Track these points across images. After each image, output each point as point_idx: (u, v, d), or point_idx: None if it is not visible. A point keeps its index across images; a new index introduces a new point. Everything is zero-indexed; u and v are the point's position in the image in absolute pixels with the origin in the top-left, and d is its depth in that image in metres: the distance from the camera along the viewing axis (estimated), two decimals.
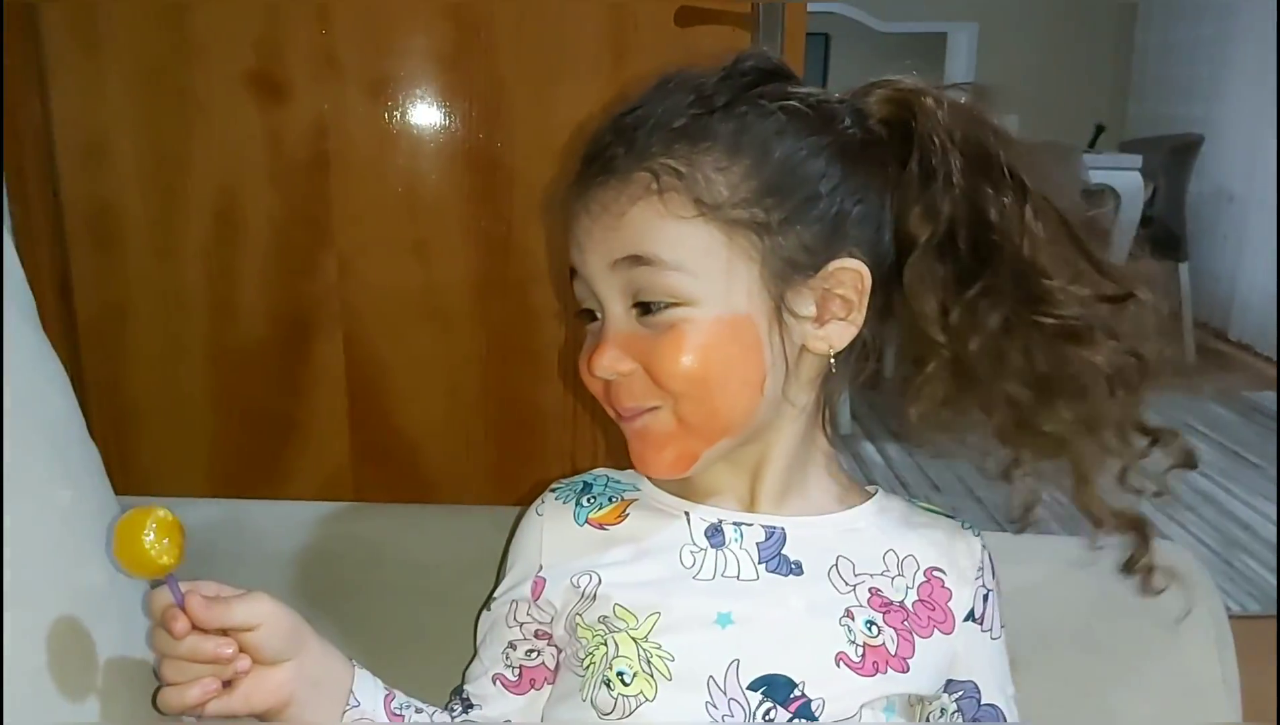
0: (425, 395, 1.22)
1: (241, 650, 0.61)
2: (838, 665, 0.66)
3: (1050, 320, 0.66)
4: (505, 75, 1.15)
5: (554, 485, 0.78)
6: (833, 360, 0.69)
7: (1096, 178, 3.80)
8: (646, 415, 0.67)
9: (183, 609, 0.58)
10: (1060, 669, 0.78)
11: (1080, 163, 3.70)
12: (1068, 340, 0.66)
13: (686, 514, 0.71)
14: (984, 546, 0.74)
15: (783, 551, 0.69)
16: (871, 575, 0.70)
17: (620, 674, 0.66)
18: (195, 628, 0.59)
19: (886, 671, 0.67)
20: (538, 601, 0.73)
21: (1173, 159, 4.36)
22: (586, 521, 0.73)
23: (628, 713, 0.66)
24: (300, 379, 1.20)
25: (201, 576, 0.61)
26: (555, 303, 1.19)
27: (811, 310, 0.67)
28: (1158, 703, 0.75)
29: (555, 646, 0.73)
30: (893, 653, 0.67)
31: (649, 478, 0.73)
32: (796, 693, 0.65)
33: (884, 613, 0.68)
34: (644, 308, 0.65)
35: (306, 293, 1.18)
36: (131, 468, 1.18)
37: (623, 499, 0.74)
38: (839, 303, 0.67)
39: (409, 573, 0.82)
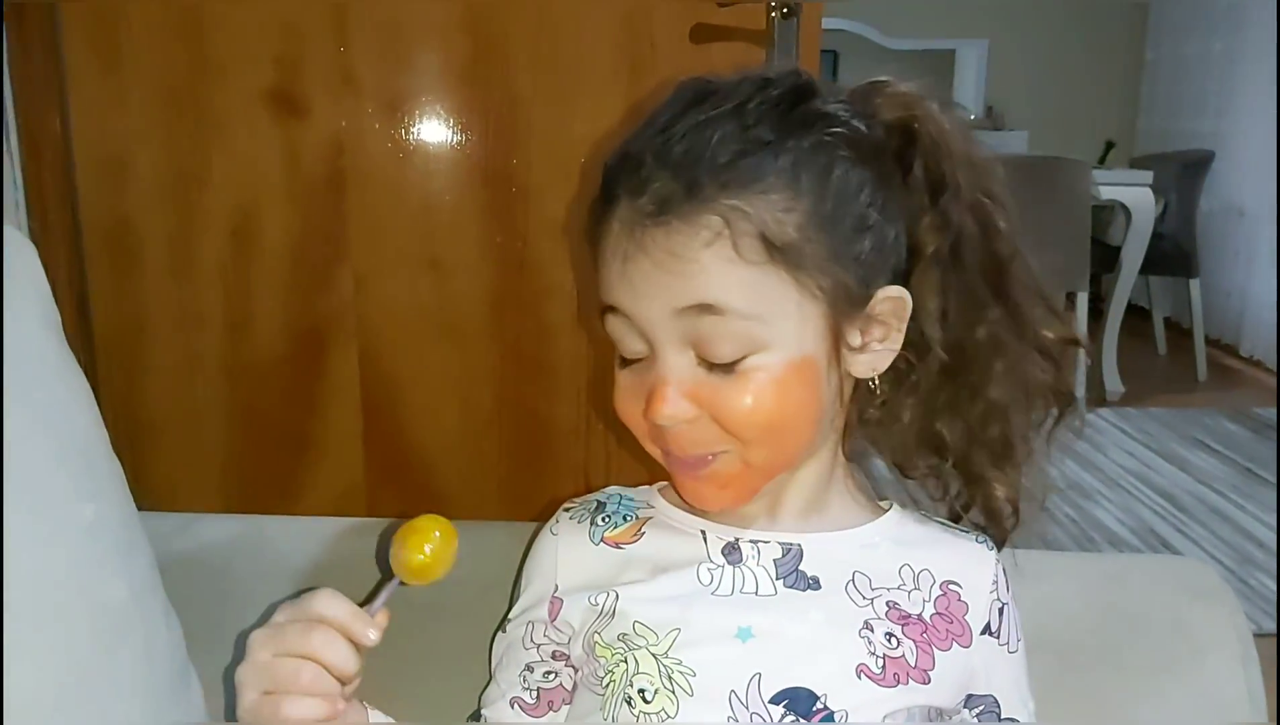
0: (440, 411, 1.22)
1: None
2: (859, 677, 0.65)
3: (1026, 340, 0.70)
4: (521, 92, 1.15)
5: (567, 504, 0.77)
6: (874, 382, 0.70)
7: (1107, 194, 3.80)
8: (714, 460, 0.66)
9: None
10: (1084, 686, 0.78)
11: (1090, 179, 3.70)
12: (1038, 358, 0.71)
13: (703, 533, 0.71)
14: (998, 560, 0.74)
15: (800, 567, 0.69)
16: (889, 589, 0.69)
17: (641, 691, 0.66)
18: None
19: (908, 683, 0.66)
20: (555, 622, 0.72)
21: (1183, 175, 4.36)
22: (602, 540, 0.73)
23: None
24: (315, 395, 1.20)
25: (221, 591, 0.61)
26: (570, 319, 1.19)
27: (858, 339, 0.67)
28: (1182, 719, 0.75)
29: (573, 667, 0.73)
30: (913, 664, 0.67)
31: (696, 505, 0.71)
32: (819, 705, 0.64)
33: (903, 625, 0.68)
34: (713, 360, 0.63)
35: (322, 309, 1.19)
36: (147, 483, 1.18)
37: (638, 518, 0.74)
38: (879, 328, 0.68)
39: (423, 588, 0.82)
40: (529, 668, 0.74)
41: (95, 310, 1.16)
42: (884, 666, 0.66)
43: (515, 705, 0.74)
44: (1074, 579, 0.83)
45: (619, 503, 0.76)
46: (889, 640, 0.67)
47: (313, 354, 1.19)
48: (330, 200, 1.16)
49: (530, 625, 0.74)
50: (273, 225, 1.16)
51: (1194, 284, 4.29)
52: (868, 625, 0.67)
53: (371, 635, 0.58)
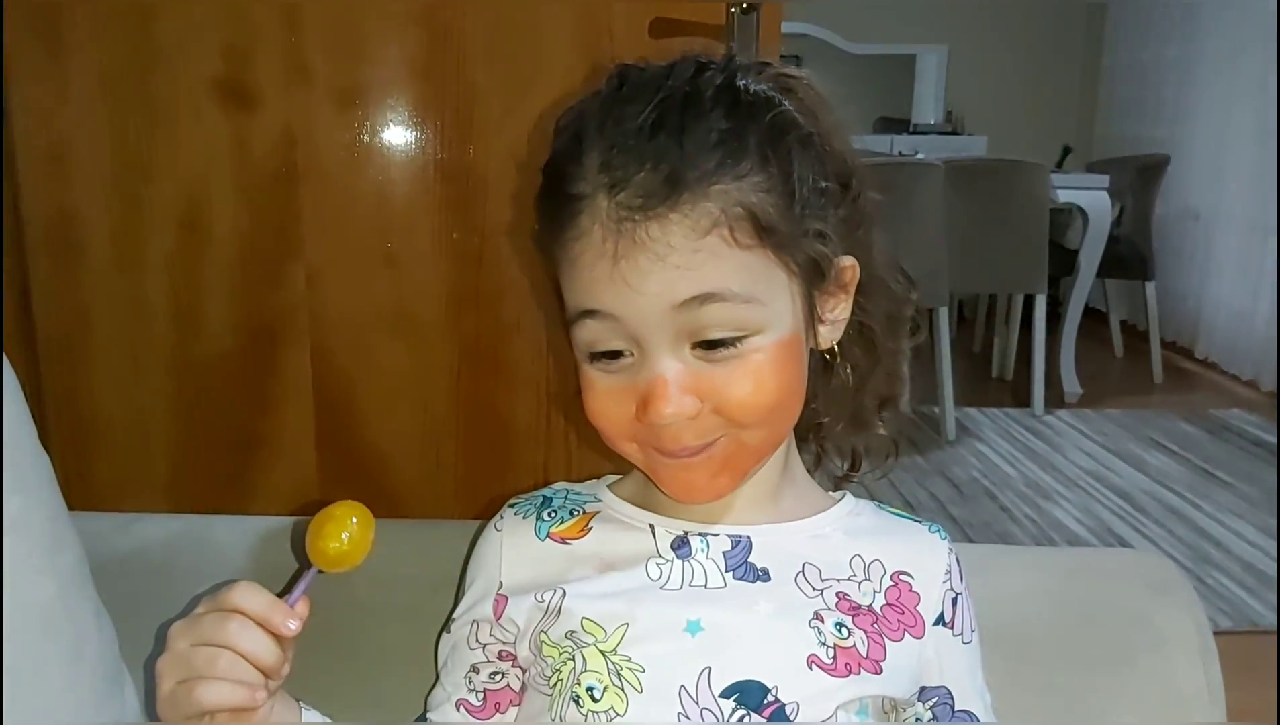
0: (395, 410, 1.20)
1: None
2: (810, 668, 0.65)
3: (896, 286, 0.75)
4: (478, 85, 1.14)
5: (512, 500, 0.76)
6: (834, 354, 0.71)
7: (1064, 197, 3.85)
8: (712, 446, 0.65)
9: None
10: (1043, 680, 0.78)
11: (1048, 182, 3.74)
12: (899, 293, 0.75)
13: (651, 526, 0.70)
14: (951, 550, 0.74)
15: (749, 559, 0.69)
16: (839, 580, 0.69)
17: (590, 689, 0.64)
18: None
19: (860, 673, 0.66)
20: (500, 620, 0.71)
21: (1139, 179, 4.42)
22: (548, 536, 0.72)
23: None
24: (266, 393, 1.18)
25: (160, 591, 0.58)
26: (529, 315, 1.17)
27: (825, 312, 0.68)
28: (1142, 712, 0.74)
29: (520, 667, 0.72)
30: (864, 654, 0.66)
31: (691, 501, 0.69)
32: (770, 698, 0.64)
33: (853, 616, 0.67)
34: (710, 344, 0.62)
35: (274, 305, 1.16)
36: (92, 483, 1.15)
37: (584, 512, 0.73)
38: (835, 298, 0.69)
39: (375, 587, 0.80)
40: (474, 669, 0.73)
41: (38, 305, 1.13)
42: (835, 657, 0.65)
43: (460, 708, 0.73)
44: (1032, 573, 0.83)
45: (565, 498, 0.75)
46: (839, 630, 0.66)
47: (264, 351, 1.17)
48: (282, 194, 1.13)
49: (475, 625, 0.72)
50: (222, 219, 1.13)
51: (1150, 287, 4.35)
52: (818, 616, 0.67)
53: (291, 625, 0.57)
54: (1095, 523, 2.87)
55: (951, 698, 0.71)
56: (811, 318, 0.67)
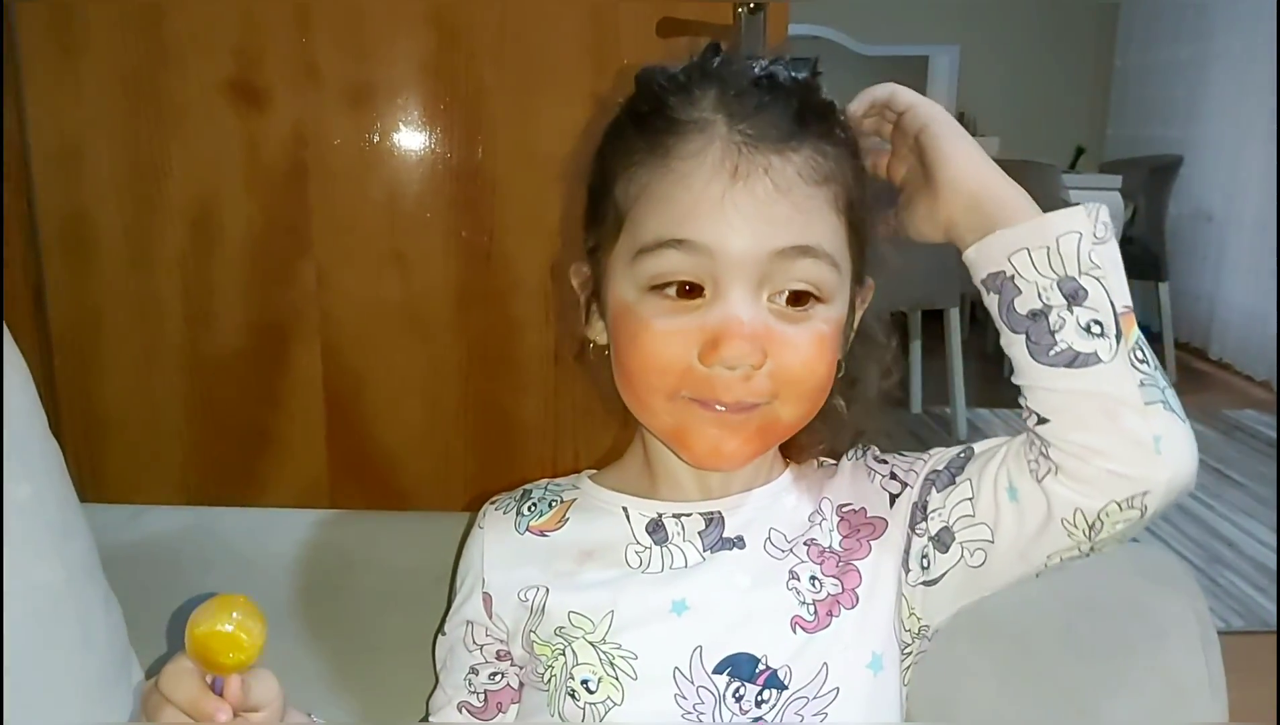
0: (404, 406, 1.21)
1: None
2: (794, 631, 0.65)
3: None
4: (486, 83, 1.14)
5: (495, 498, 0.76)
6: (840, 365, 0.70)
7: (1076, 198, 3.83)
8: (753, 410, 0.63)
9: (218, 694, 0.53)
10: (1043, 670, 0.78)
11: (1060, 183, 3.73)
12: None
13: (625, 510, 0.71)
14: (863, 456, 0.74)
15: (724, 534, 0.69)
16: (803, 534, 0.69)
17: (585, 682, 0.65)
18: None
19: (840, 614, 0.66)
20: (490, 619, 0.71)
21: (1152, 180, 4.40)
22: (527, 530, 0.72)
23: (598, 720, 0.64)
24: (277, 390, 1.19)
25: (169, 581, 0.59)
26: (537, 313, 1.18)
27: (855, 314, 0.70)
28: (1143, 704, 0.74)
29: (517, 665, 0.72)
30: (840, 592, 0.67)
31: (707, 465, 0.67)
32: (761, 667, 0.64)
33: (821, 563, 0.68)
34: (793, 297, 0.61)
35: (284, 302, 1.17)
36: (104, 478, 1.16)
37: (562, 501, 0.73)
38: (857, 310, 0.70)
39: (383, 578, 0.81)
40: (474, 670, 0.73)
41: (52, 302, 1.14)
42: (815, 611, 0.66)
43: (463, 710, 0.73)
44: None
45: (545, 490, 0.75)
46: (814, 584, 0.67)
47: (275, 348, 1.18)
48: (292, 192, 1.14)
49: (470, 626, 0.72)
50: (233, 218, 1.14)
51: (1163, 288, 4.33)
52: (793, 574, 0.67)
53: (220, 717, 0.53)
54: None
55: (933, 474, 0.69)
56: (850, 315, 0.68)
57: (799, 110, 0.61)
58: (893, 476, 0.71)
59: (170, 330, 1.16)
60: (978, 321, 4.82)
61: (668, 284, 0.61)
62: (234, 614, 0.51)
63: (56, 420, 0.69)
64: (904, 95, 0.68)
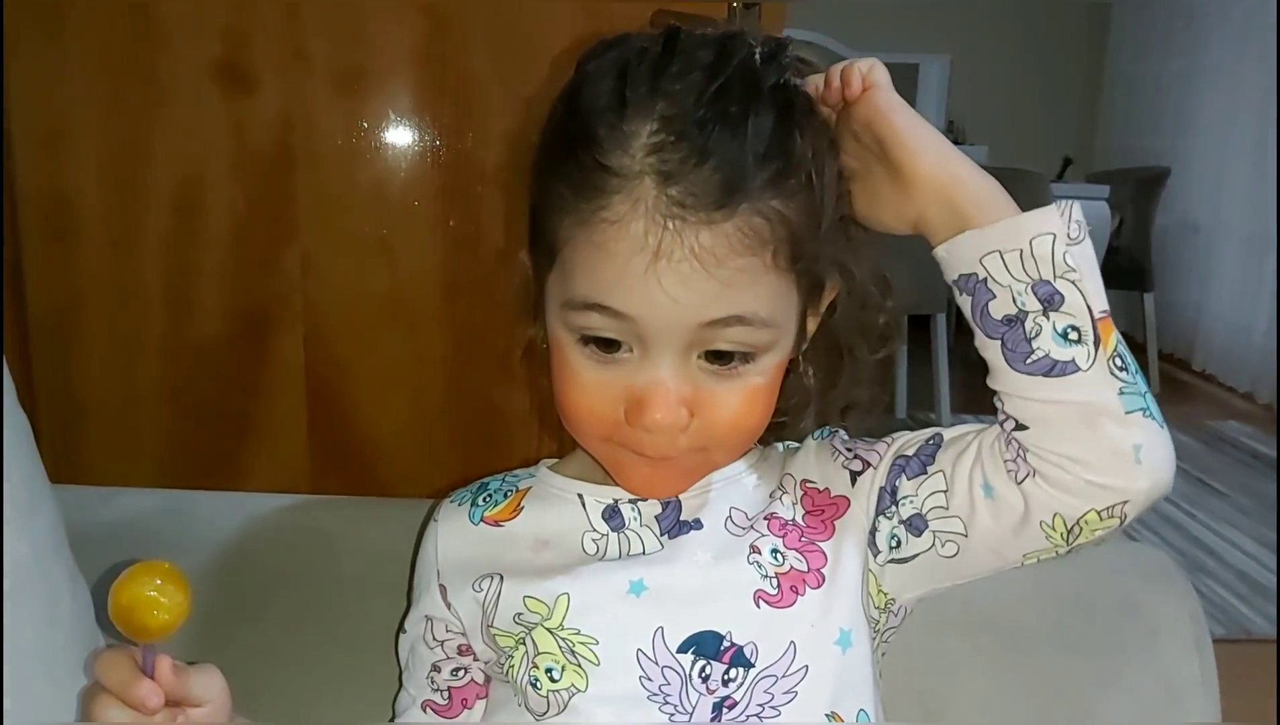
0: (387, 396, 1.20)
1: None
2: (758, 605, 0.64)
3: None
4: (477, 72, 1.13)
5: (452, 493, 0.75)
6: (796, 362, 0.69)
7: None
8: (684, 456, 0.63)
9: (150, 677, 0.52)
10: (1035, 668, 0.77)
11: (1048, 193, 3.74)
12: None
13: (580, 497, 0.69)
14: (827, 436, 0.73)
15: (681, 518, 0.68)
16: (763, 512, 0.68)
17: (548, 670, 0.63)
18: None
19: (805, 593, 0.65)
20: (450, 611, 0.70)
21: (1139, 191, 4.43)
22: (482, 520, 0.71)
23: (562, 708, 0.63)
24: (258, 377, 1.17)
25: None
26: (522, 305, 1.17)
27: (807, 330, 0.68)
28: (1136, 703, 0.74)
29: (481, 660, 0.71)
30: (805, 569, 0.66)
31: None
32: (726, 644, 0.63)
33: (783, 536, 0.67)
34: (719, 357, 0.60)
35: (268, 289, 1.15)
36: (81, 463, 1.14)
37: (518, 490, 0.72)
38: (814, 318, 0.69)
39: (360, 563, 0.79)
40: (435, 668, 0.72)
41: (31, 286, 1.12)
42: (778, 585, 0.65)
43: (427, 709, 0.72)
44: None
45: (502, 482, 0.74)
46: (776, 558, 0.66)
47: (257, 336, 1.16)
48: (278, 178, 1.13)
49: (429, 622, 0.71)
50: (218, 202, 1.13)
51: (1148, 298, 4.35)
52: (754, 548, 0.66)
53: (150, 701, 0.52)
54: None
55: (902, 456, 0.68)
56: (800, 337, 0.67)
57: (739, 160, 0.56)
58: (855, 456, 0.70)
59: (151, 315, 1.14)
60: (964, 328, 4.83)
61: (596, 339, 0.61)
62: (155, 580, 0.51)
63: (33, 403, 0.68)
64: (882, 71, 0.65)
